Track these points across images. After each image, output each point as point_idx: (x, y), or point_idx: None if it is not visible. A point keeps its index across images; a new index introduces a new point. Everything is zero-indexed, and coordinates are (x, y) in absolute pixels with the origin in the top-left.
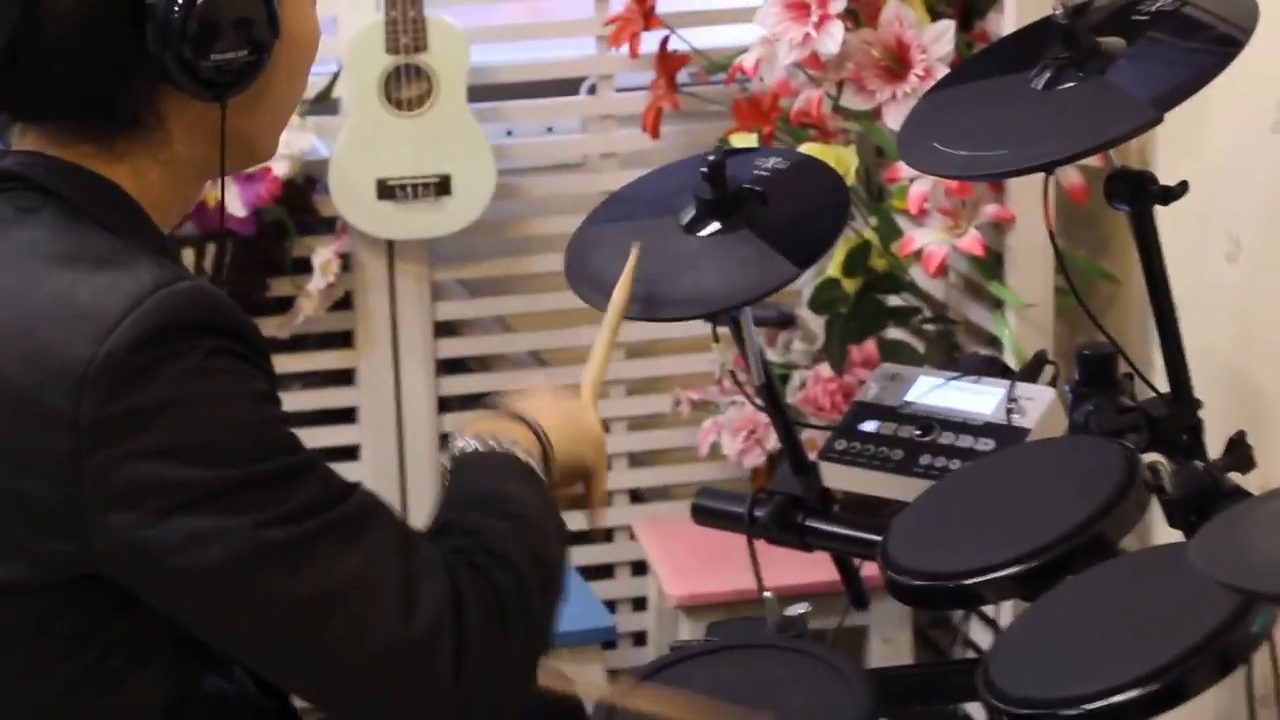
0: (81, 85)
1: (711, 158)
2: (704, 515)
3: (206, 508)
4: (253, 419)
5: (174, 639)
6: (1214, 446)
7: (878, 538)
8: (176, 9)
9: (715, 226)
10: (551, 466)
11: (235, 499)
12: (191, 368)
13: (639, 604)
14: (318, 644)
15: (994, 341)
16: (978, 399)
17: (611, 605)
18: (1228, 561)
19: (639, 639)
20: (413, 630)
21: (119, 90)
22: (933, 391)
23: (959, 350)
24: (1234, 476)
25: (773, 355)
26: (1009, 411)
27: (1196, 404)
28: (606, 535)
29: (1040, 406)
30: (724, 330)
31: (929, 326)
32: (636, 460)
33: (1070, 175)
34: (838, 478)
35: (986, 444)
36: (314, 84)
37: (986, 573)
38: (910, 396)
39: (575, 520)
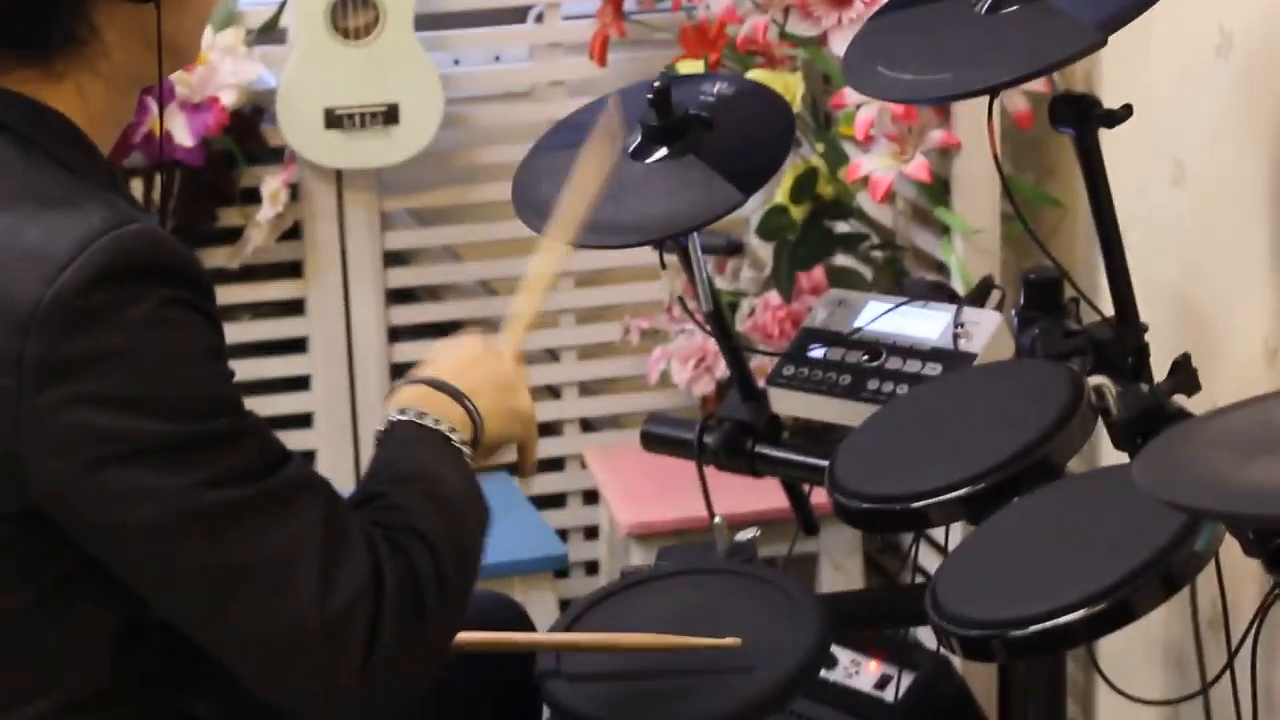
0: (14, 7)
1: (657, 84)
2: (653, 442)
3: (144, 462)
4: (201, 375)
5: None
6: (1160, 370)
7: (826, 463)
8: None
9: (662, 153)
10: (480, 449)
11: (174, 456)
12: (142, 315)
13: (591, 533)
14: (232, 613)
15: (942, 267)
16: (925, 324)
17: (564, 534)
18: (1169, 480)
19: (591, 568)
20: (327, 610)
21: (53, 8)
22: (880, 317)
23: (907, 276)
24: (1179, 399)
25: (722, 283)
26: (955, 336)
27: (1142, 327)
28: (557, 464)
29: (987, 331)
30: (672, 258)
31: (877, 253)
32: (586, 389)
33: (1016, 101)
34: (786, 403)
35: (934, 368)
36: (260, 13)
37: (933, 495)
38: (858, 322)
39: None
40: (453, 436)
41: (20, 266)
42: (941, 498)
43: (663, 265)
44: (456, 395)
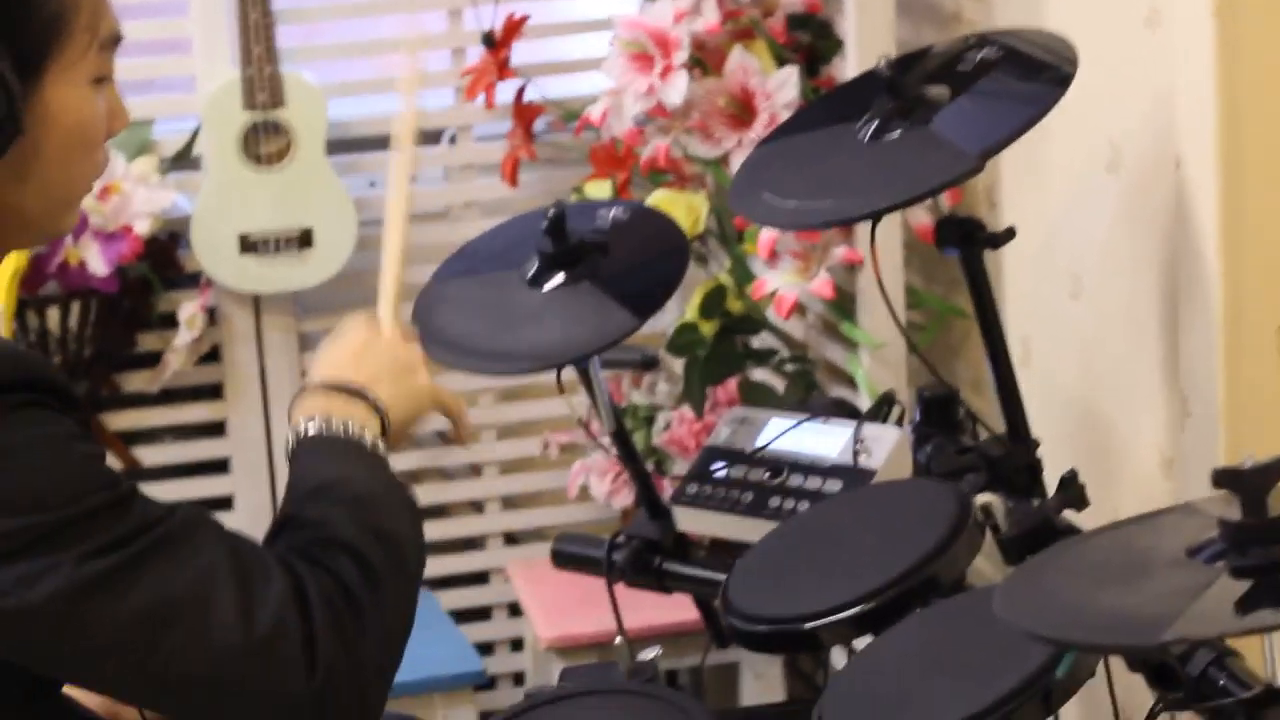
0: None
1: (552, 212)
2: (563, 560)
3: (28, 553)
4: (66, 460)
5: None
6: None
7: None
8: None
9: (558, 279)
10: (391, 436)
11: (57, 538)
12: None
13: (517, 645)
14: (162, 662)
15: (852, 381)
16: (826, 440)
17: (490, 647)
18: (1027, 607)
19: (518, 679)
20: (254, 633)
21: None
22: (783, 434)
23: (818, 389)
24: (1071, 515)
25: (638, 397)
26: (856, 453)
27: (1034, 443)
28: (481, 578)
29: (886, 446)
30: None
31: (788, 367)
32: (509, 503)
33: (919, 216)
34: (691, 521)
35: (834, 485)
36: (174, 141)
37: (820, 617)
38: (760, 440)
39: (455, 563)
40: (361, 435)
41: None
42: (829, 619)
43: (560, 389)
44: (355, 391)
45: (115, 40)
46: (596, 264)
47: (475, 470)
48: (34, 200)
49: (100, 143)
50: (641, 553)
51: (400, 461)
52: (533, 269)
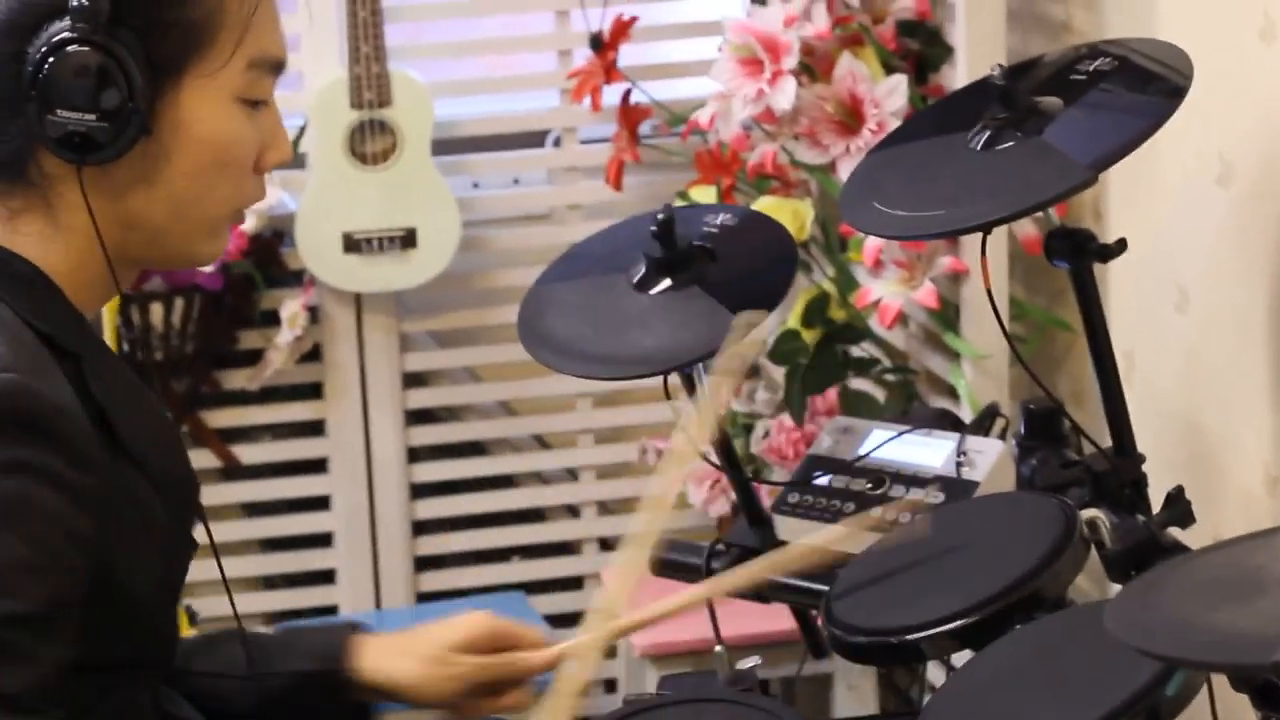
0: None
1: (661, 216)
2: (662, 568)
3: None
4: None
5: None
6: (1160, 500)
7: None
8: (38, 58)
9: (665, 284)
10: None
11: None
12: None
13: (610, 652)
14: None
15: (953, 391)
16: (929, 452)
17: None
18: (1138, 624)
19: (610, 686)
20: None
21: None
22: (885, 445)
23: (919, 399)
24: (1175, 531)
25: (737, 405)
26: (959, 465)
27: (1139, 458)
28: (576, 583)
29: (989, 459)
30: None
31: (889, 377)
32: (605, 509)
33: (1025, 227)
34: (791, 530)
35: (937, 496)
36: None
37: (923, 629)
38: (863, 449)
39: (549, 567)
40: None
41: None
42: (932, 631)
43: (667, 395)
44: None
45: (275, 65)
46: (705, 269)
47: (572, 475)
48: (163, 212)
49: (243, 167)
50: (741, 560)
51: (495, 465)
52: (640, 273)
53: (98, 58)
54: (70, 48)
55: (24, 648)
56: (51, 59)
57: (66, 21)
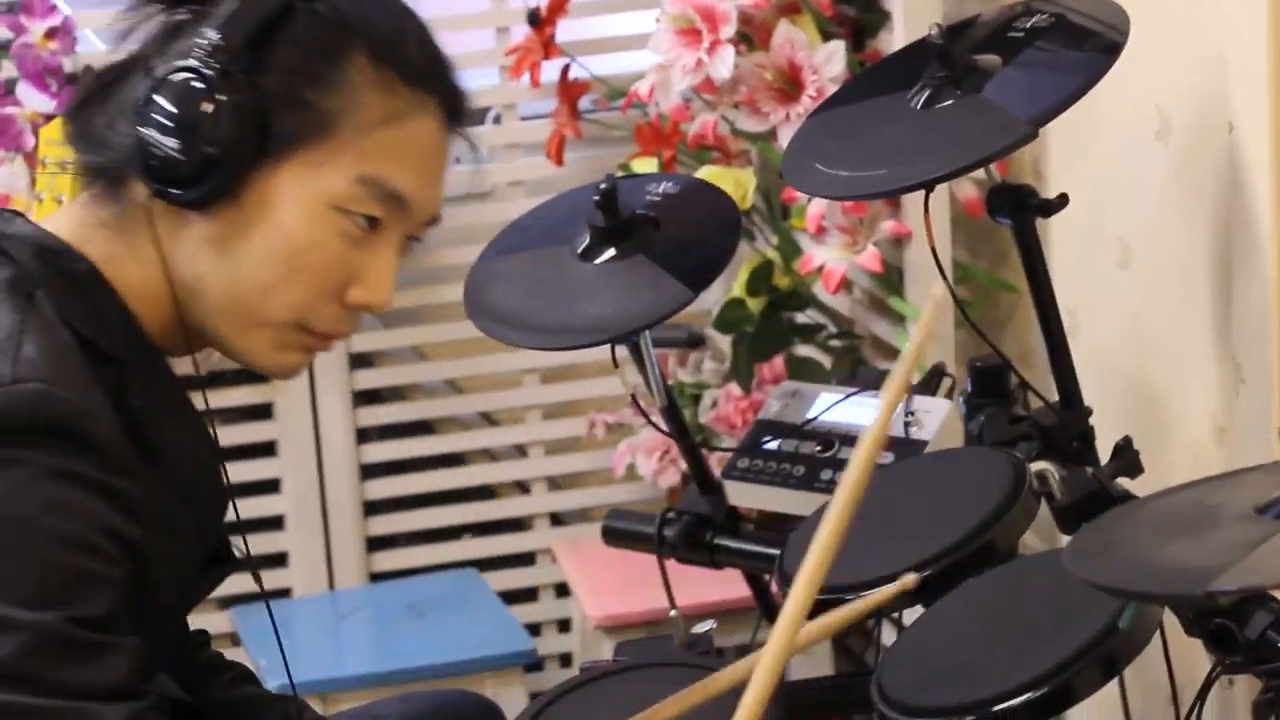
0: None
1: (603, 185)
2: (614, 537)
3: None
4: (45, 562)
5: None
6: (1108, 452)
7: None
8: (161, 73)
9: (610, 253)
10: None
11: None
12: (12, 481)
13: (564, 626)
14: None
15: (899, 354)
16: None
17: (536, 628)
18: (1095, 562)
19: (566, 660)
20: None
21: (107, 131)
22: (833, 407)
23: (865, 364)
24: (1125, 481)
25: (685, 375)
26: (906, 424)
27: (1086, 411)
28: (528, 559)
29: (937, 419)
30: (626, 354)
31: (835, 342)
32: (555, 484)
33: (966, 188)
34: (742, 495)
35: (886, 457)
36: None
37: (876, 585)
38: (811, 413)
39: (501, 544)
40: None
41: None
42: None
43: (615, 364)
44: None
45: (392, 196)
46: (649, 237)
47: (521, 451)
48: (223, 287)
49: (318, 279)
50: (693, 528)
51: (444, 444)
52: (584, 243)
53: (211, 98)
54: (183, 76)
55: (108, 643)
56: (168, 78)
57: (200, 52)
